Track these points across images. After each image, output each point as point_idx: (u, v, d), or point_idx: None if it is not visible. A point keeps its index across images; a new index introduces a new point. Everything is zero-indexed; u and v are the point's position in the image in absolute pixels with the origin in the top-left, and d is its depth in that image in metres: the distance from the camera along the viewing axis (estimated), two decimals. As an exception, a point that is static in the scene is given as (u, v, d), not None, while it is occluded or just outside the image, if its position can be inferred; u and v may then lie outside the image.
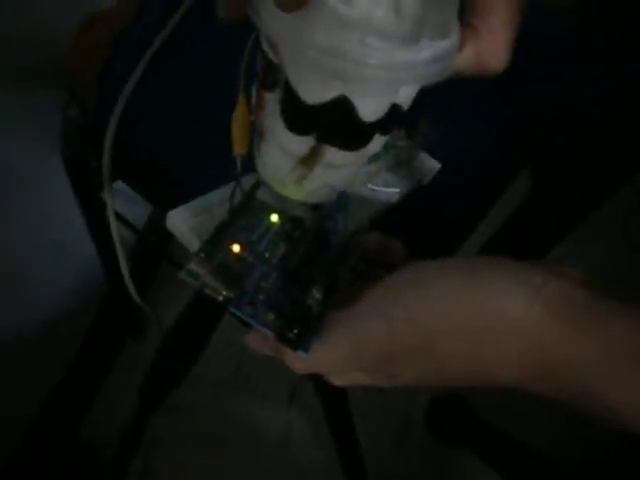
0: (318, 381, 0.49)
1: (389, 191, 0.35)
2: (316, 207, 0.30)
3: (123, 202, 0.60)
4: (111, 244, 0.78)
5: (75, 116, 0.57)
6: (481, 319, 0.22)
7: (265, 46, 0.24)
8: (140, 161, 0.53)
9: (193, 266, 0.24)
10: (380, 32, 0.21)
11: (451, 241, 0.39)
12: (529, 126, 0.42)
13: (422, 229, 0.38)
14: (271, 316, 0.24)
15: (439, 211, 0.39)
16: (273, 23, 0.21)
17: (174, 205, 0.52)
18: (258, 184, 0.30)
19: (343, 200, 0.31)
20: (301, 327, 0.24)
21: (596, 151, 0.44)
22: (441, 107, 0.35)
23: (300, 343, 0.24)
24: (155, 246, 0.84)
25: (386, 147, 0.36)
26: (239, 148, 0.30)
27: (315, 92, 0.23)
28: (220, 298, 0.24)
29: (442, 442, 0.94)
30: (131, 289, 0.62)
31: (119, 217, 0.61)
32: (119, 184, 0.59)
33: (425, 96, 0.26)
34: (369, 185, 0.35)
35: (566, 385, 0.22)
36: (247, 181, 0.31)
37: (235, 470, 0.93)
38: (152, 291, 0.93)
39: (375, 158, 0.35)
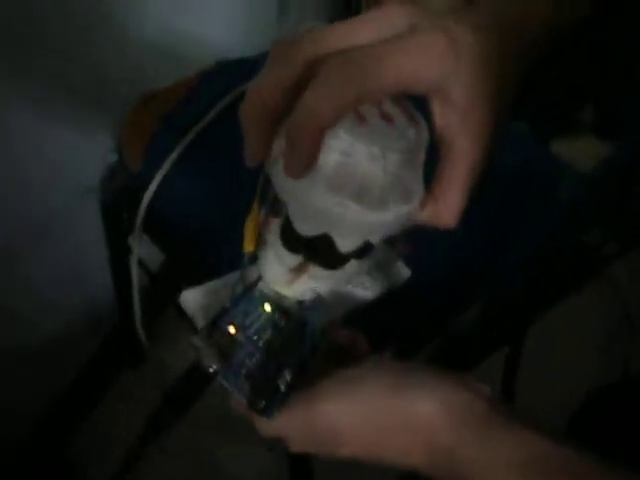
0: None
1: (364, 293, 0.43)
2: (301, 301, 0.38)
3: (142, 248, 0.69)
4: (128, 282, 0.87)
5: (118, 175, 0.67)
6: (398, 416, 0.30)
7: (276, 187, 0.32)
8: (166, 222, 0.62)
9: (195, 341, 0.32)
10: (356, 198, 0.29)
11: (410, 342, 0.47)
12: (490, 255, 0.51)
13: (388, 327, 0.45)
14: (247, 388, 0.32)
15: (405, 313, 0.47)
16: (282, 182, 0.30)
17: (185, 263, 0.61)
18: (259, 278, 0.38)
19: (323, 298, 0.39)
20: (268, 401, 0.31)
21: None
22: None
23: (265, 412, 0.31)
24: (164, 290, 0.92)
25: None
26: (248, 246, 0.38)
27: (306, 229, 0.31)
28: (211, 370, 0.32)
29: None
30: (139, 327, 0.70)
31: (139, 262, 0.69)
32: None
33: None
34: (348, 285, 0.43)
35: (456, 477, 0.29)
36: (252, 271, 0.39)
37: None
38: (156, 328, 1.00)
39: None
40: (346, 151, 0.29)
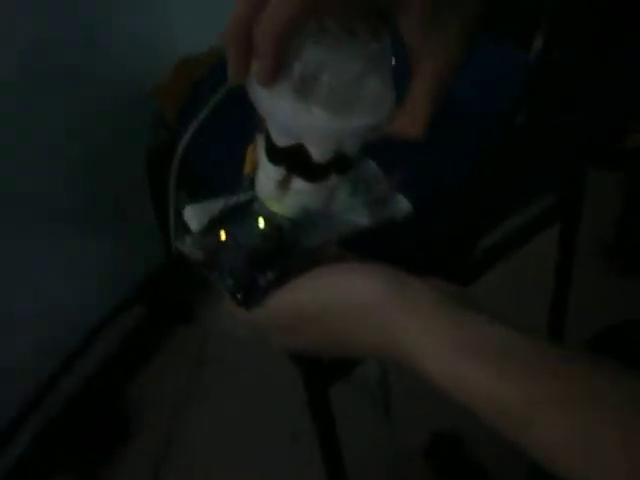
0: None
1: (358, 220, 0.45)
2: (294, 221, 0.41)
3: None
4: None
5: (159, 133, 0.73)
6: (353, 294, 0.33)
7: (253, 102, 0.36)
8: (199, 180, 0.67)
9: (186, 240, 0.36)
10: (323, 105, 0.32)
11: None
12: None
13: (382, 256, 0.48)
14: (230, 282, 0.36)
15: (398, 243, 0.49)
16: (257, 95, 0.33)
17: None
18: (255, 197, 0.41)
19: (316, 219, 0.42)
20: (246, 292, 0.35)
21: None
22: (415, 156, 0.46)
23: (244, 303, 0.35)
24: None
25: (366, 187, 0.47)
26: (247, 169, 0.42)
27: (282, 139, 0.35)
28: (199, 264, 0.36)
29: (438, 478, 1.00)
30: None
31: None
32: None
33: (401, 146, 0.36)
34: (344, 213, 0.45)
35: (401, 355, 0.31)
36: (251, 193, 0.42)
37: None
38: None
39: (354, 193, 0.46)
40: (311, 60, 0.32)
